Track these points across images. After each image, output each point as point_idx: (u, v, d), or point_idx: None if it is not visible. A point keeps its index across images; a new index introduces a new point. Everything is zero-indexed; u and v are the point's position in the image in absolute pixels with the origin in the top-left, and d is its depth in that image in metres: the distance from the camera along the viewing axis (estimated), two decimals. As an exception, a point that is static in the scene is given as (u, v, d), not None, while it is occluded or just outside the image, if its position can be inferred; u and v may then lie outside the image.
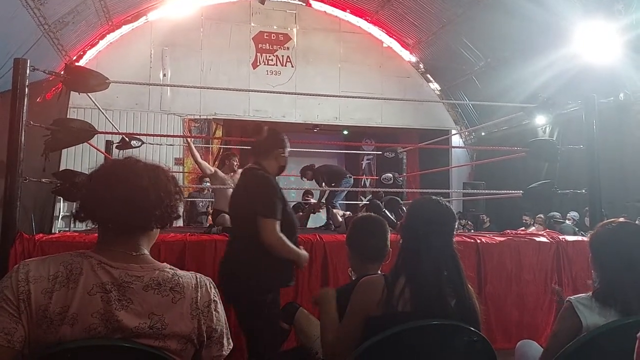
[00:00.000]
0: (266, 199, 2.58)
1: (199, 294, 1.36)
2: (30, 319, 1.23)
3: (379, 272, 2.26)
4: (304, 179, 7.11)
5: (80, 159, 9.32)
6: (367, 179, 12.81)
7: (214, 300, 1.40)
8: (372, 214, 2.76)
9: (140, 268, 1.33)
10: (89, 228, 5.05)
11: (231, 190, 6.04)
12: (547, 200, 4.92)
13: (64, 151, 6.33)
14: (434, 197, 1.97)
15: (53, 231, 7.14)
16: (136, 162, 1.43)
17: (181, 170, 10.75)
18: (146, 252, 1.40)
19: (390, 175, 7.78)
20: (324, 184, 6.80)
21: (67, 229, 7.31)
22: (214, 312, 1.38)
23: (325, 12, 12.08)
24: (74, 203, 1.42)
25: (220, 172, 6.25)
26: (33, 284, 1.24)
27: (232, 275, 2.62)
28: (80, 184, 1.44)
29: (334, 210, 6.43)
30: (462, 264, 1.87)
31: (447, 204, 1.93)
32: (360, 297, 1.87)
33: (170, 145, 10.55)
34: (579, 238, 4.78)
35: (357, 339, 1.81)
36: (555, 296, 1.85)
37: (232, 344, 1.44)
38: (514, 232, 5.65)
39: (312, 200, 7.77)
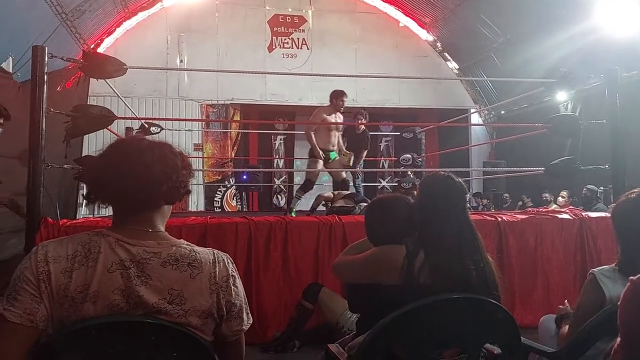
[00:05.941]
0: None
1: (217, 269, 1.37)
2: (51, 298, 1.25)
3: None
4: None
5: (102, 145, 9.38)
6: (385, 160, 12.72)
7: (232, 275, 1.41)
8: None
9: (157, 244, 1.35)
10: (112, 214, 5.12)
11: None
12: (570, 176, 4.84)
13: (86, 138, 6.40)
14: (443, 173, 1.98)
15: (77, 217, 7.26)
16: (141, 140, 1.43)
17: (200, 155, 10.84)
18: (162, 228, 1.41)
19: (409, 156, 7.72)
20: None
21: (90, 215, 7.42)
22: (232, 287, 1.39)
23: (340, -8, 11.94)
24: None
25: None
26: (52, 264, 1.26)
27: None
28: (88, 166, 1.45)
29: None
30: (479, 235, 1.87)
31: (458, 178, 1.93)
32: (381, 259, 1.88)
33: (189, 130, 10.60)
34: (603, 214, 4.70)
35: (357, 277, 2.02)
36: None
37: (251, 318, 1.47)
38: (535, 210, 5.60)
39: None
